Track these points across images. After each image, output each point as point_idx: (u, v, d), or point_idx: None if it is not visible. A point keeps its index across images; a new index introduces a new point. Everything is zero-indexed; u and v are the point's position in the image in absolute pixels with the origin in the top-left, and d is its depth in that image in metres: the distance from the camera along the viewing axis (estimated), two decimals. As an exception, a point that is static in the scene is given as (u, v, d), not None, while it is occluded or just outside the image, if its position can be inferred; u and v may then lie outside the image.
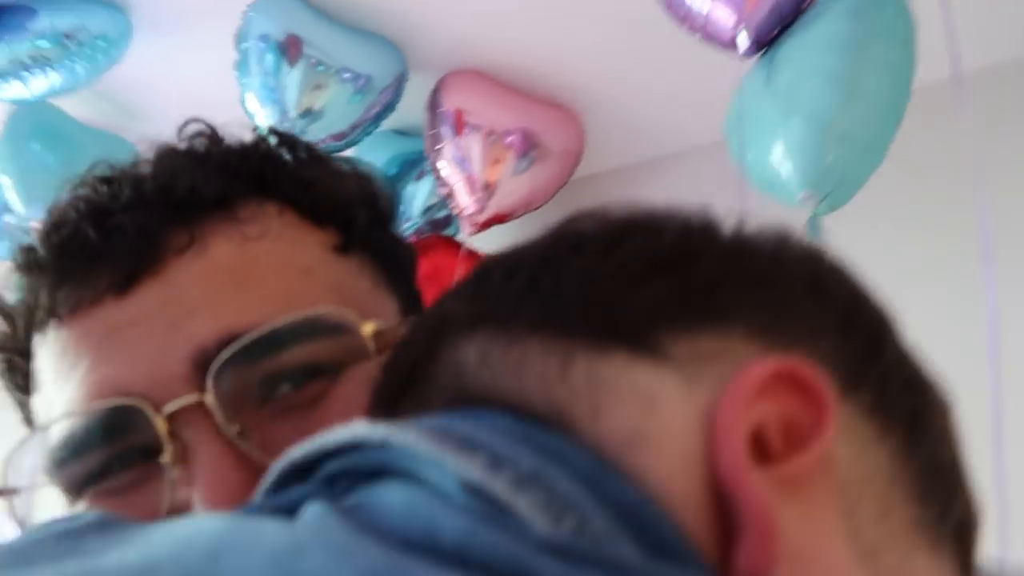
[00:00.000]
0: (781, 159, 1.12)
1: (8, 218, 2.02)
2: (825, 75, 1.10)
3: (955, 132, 1.04)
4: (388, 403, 0.29)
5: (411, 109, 1.61)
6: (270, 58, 1.50)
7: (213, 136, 0.42)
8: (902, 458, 0.26)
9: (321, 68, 1.52)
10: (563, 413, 0.24)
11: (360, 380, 0.36)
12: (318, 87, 1.52)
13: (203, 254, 0.37)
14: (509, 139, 1.58)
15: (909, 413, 0.26)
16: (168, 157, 0.40)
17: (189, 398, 0.34)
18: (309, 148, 0.44)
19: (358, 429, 0.24)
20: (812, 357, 0.25)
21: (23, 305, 0.40)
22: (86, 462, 0.36)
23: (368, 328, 0.37)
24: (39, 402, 0.40)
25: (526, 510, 0.20)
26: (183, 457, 0.34)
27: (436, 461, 0.21)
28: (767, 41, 1.17)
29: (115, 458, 0.35)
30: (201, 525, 0.20)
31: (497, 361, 0.26)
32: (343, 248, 0.41)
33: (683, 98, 1.58)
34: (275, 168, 0.41)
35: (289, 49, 1.49)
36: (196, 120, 0.42)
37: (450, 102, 1.59)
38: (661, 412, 0.24)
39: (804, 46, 1.13)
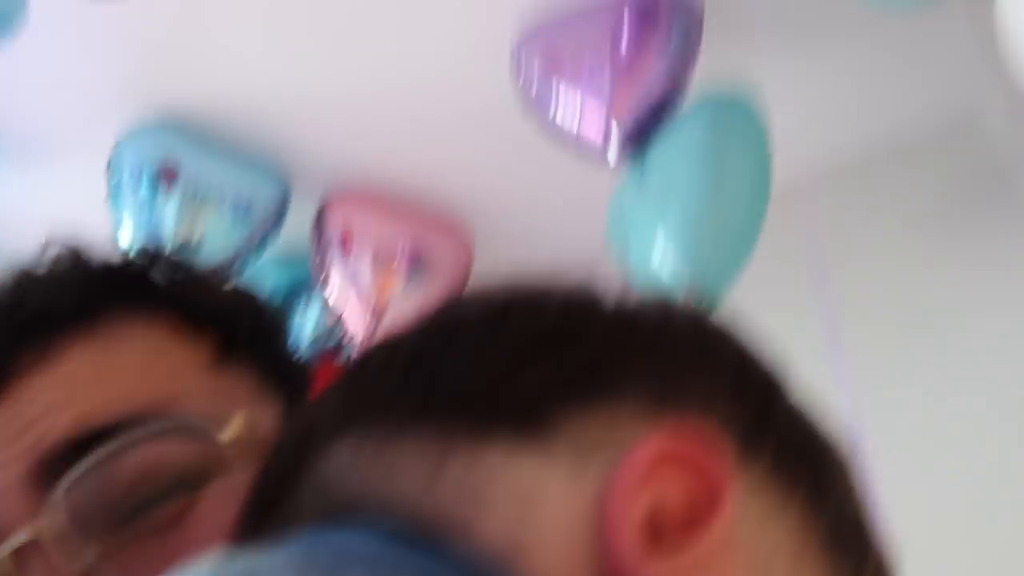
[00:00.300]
0: (660, 257, 1.14)
1: None
2: (693, 179, 1.14)
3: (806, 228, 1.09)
4: (254, 523, 0.26)
5: (296, 234, 1.58)
6: (144, 189, 1.46)
7: (75, 255, 0.39)
8: (808, 522, 0.24)
9: (199, 196, 1.48)
10: (435, 524, 0.21)
11: (225, 495, 0.33)
12: (196, 216, 1.48)
13: (52, 369, 0.34)
14: (396, 262, 1.56)
15: (809, 474, 0.25)
16: (22, 279, 0.38)
17: (22, 535, 0.31)
18: (186, 265, 0.42)
19: (202, 572, 0.21)
20: (706, 424, 0.23)
21: None
22: None
23: (227, 434, 0.34)
24: None
25: None
26: None
27: None
28: (634, 151, 1.20)
29: None
30: None
31: (367, 464, 0.23)
32: (221, 356, 0.38)
33: (566, 207, 1.60)
34: (144, 282, 0.39)
35: (164, 177, 1.46)
36: (57, 241, 0.39)
37: (336, 223, 1.57)
38: (543, 514, 0.21)
39: (669, 155, 1.17)
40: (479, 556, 0.21)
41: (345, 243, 1.56)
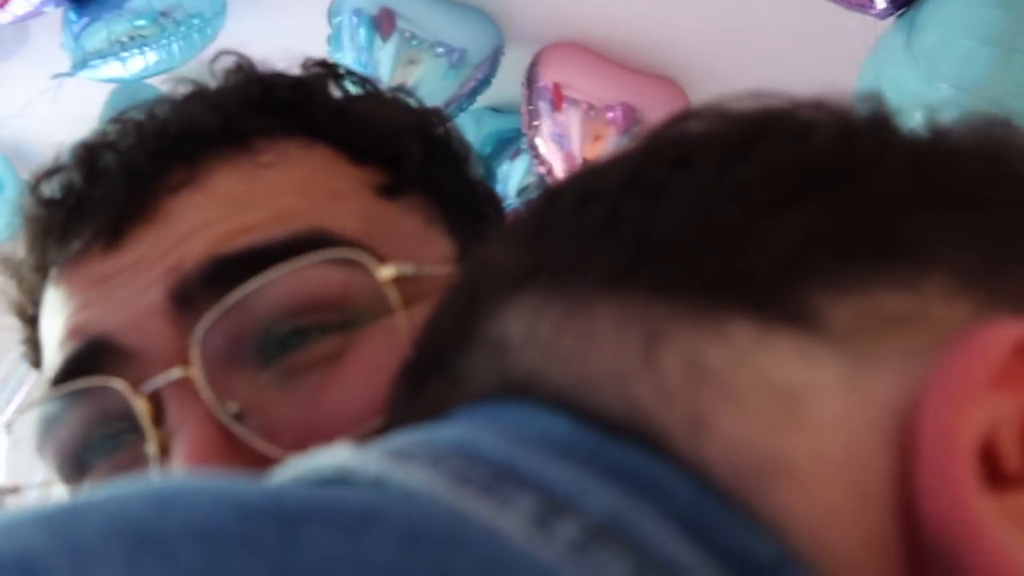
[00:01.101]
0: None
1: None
2: (976, 36, 0.98)
3: None
4: (414, 387, 0.21)
5: (507, 84, 1.55)
6: (363, 32, 1.46)
7: (242, 69, 0.36)
8: None
9: (415, 43, 1.47)
10: (648, 421, 0.16)
11: (383, 340, 0.29)
12: (411, 62, 1.48)
13: (202, 188, 0.32)
14: (610, 114, 1.50)
15: None
16: (186, 93, 0.35)
17: (173, 372, 0.28)
18: (362, 80, 0.38)
19: (343, 455, 0.16)
20: None
21: (18, 268, 0.36)
22: (66, 444, 0.30)
23: (387, 272, 0.29)
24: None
25: None
26: (167, 448, 0.28)
27: (454, 517, 0.14)
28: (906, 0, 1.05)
29: (100, 437, 0.30)
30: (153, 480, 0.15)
31: (551, 336, 0.18)
32: (389, 188, 0.34)
33: (799, 68, 1.46)
34: (305, 99, 0.35)
35: (382, 23, 1.45)
36: (228, 53, 0.36)
37: (548, 76, 1.52)
38: (812, 420, 0.16)
39: (952, 2, 1.01)
40: (712, 469, 0.15)
41: (556, 96, 1.51)
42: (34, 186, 0.34)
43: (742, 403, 0.16)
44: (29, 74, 1.78)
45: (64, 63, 1.60)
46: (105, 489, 0.14)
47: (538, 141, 1.54)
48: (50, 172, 0.34)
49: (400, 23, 1.45)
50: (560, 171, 1.53)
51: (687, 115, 0.20)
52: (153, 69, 1.59)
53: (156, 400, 0.28)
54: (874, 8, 1.04)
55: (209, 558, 0.12)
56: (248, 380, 0.29)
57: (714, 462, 0.15)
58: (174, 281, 0.29)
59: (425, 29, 1.46)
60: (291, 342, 0.29)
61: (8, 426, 0.32)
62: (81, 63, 1.58)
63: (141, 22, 1.56)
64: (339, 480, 0.16)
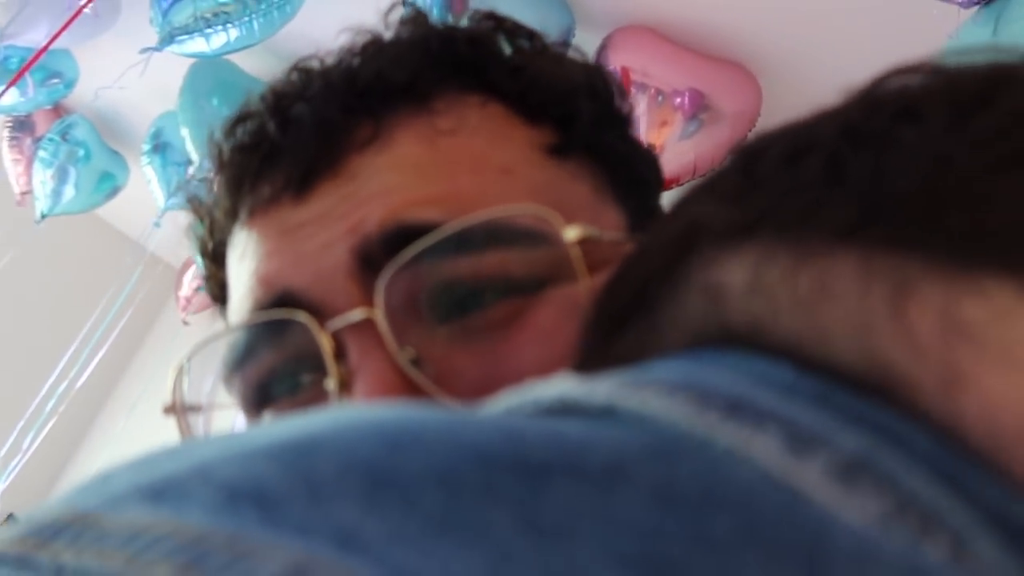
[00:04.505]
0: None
1: (190, 170, 2.14)
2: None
3: None
4: (602, 338, 0.21)
5: (576, 67, 1.54)
6: (435, 11, 1.47)
7: (418, 20, 0.36)
8: None
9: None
10: (890, 374, 0.15)
11: (563, 304, 0.29)
12: (482, 42, 1.49)
13: (386, 149, 0.32)
14: (678, 100, 1.49)
15: None
16: (365, 44, 0.35)
17: (356, 313, 0.29)
18: (532, 35, 0.37)
19: (567, 386, 0.16)
20: None
21: (210, 209, 0.37)
22: (252, 376, 0.32)
23: (572, 232, 0.30)
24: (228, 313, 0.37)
25: (860, 518, 0.13)
26: (348, 384, 0.29)
27: (698, 439, 0.14)
28: (991, -12, 1.01)
29: (284, 373, 0.32)
30: (383, 409, 0.15)
31: (780, 286, 0.17)
32: (560, 148, 0.34)
33: (876, 58, 1.42)
34: (482, 54, 0.35)
35: (455, 1, 1.46)
36: (403, 3, 0.37)
37: (617, 60, 1.51)
38: None
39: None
40: (967, 428, 0.14)
41: (625, 80, 1.50)
42: (229, 131, 0.35)
43: (1008, 362, 0.15)
44: (119, 48, 1.86)
45: (152, 38, 1.66)
46: (323, 420, 0.14)
47: (604, 124, 1.53)
48: (242, 118, 0.35)
49: (472, 2, 1.46)
50: (625, 155, 1.52)
51: (900, 70, 0.19)
52: (234, 45, 1.64)
53: (338, 341, 0.30)
54: (954, -3, 1.01)
55: (451, 505, 0.12)
56: (424, 332, 0.30)
57: (969, 421, 0.15)
58: (357, 242, 0.30)
59: (497, 9, 1.47)
60: (469, 303, 0.30)
61: (194, 355, 0.34)
62: (168, 38, 1.65)
63: (226, 0, 1.62)
64: (563, 410, 0.16)
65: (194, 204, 0.39)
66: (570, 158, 0.34)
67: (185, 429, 0.33)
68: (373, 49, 0.35)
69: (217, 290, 0.38)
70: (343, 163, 0.32)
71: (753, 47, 1.51)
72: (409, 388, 0.29)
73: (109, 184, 2.37)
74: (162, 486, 0.13)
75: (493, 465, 0.12)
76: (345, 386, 0.29)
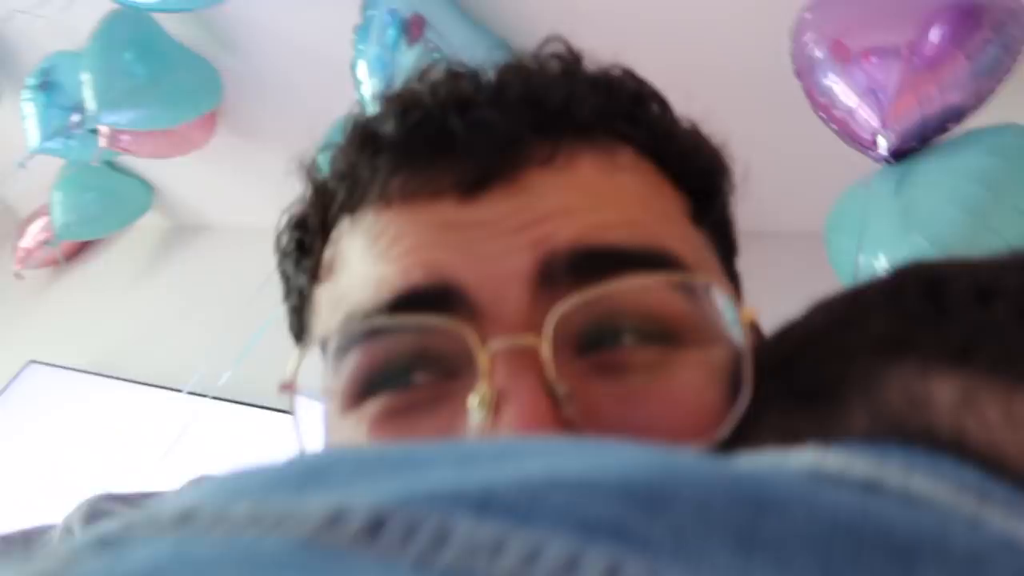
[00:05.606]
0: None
1: (75, 118, 1.98)
2: (958, 204, 1.06)
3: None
4: (778, 411, 0.24)
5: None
6: (391, 32, 1.47)
7: (577, 60, 0.37)
8: None
9: (436, 55, 1.49)
10: None
11: (706, 366, 0.30)
12: (427, 73, 1.49)
13: (566, 170, 0.33)
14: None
15: None
16: (529, 69, 0.36)
17: (524, 339, 0.28)
18: (665, 104, 0.38)
19: (814, 456, 0.17)
20: None
21: (342, 182, 0.36)
22: (369, 365, 0.31)
23: (748, 312, 0.31)
24: (330, 290, 0.35)
25: None
26: (496, 403, 0.28)
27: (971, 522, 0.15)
28: (905, 152, 1.13)
29: (399, 367, 0.30)
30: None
31: (991, 410, 0.21)
32: (698, 217, 0.36)
33: (790, 182, 1.54)
34: (641, 112, 0.37)
35: (412, 28, 1.46)
36: (557, 39, 0.38)
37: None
38: None
39: (942, 169, 1.09)
40: None
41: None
42: (396, 115, 0.35)
43: None
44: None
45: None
46: (638, 459, 0.14)
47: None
48: (406, 106, 0.35)
49: (428, 33, 1.47)
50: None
51: None
52: (171, 3, 1.56)
53: (502, 357, 0.29)
54: (876, 151, 1.12)
55: (825, 573, 0.12)
56: (570, 364, 0.29)
57: None
58: (542, 255, 0.30)
59: (449, 44, 1.48)
60: (606, 340, 0.30)
61: (334, 333, 0.32)
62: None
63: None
64: (831, 482, 0.17)
65: (311, 172, 0.37)
66: (703, 229, 0.36)
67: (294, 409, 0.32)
68: (565, 75, 0.36)
69: (309, 264, 0.37)
70: (520, 174, 0.32)
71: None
72: (555, 420, 0.28)
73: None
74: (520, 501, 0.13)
75: (862, 539, 0.13)
76: (490, 405, 0.28)
